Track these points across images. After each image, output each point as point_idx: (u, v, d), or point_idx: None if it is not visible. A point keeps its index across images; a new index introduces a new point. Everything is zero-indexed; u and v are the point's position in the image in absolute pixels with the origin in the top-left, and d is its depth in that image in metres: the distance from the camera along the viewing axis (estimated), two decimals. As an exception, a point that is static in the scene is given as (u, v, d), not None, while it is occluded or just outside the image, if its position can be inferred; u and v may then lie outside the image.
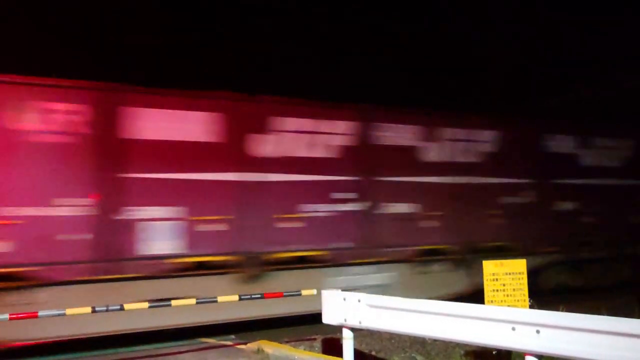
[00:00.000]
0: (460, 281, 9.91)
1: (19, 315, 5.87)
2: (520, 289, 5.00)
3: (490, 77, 15.89)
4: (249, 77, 12.36)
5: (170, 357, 6.67)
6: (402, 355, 6.54)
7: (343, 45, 14.90)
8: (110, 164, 7.62)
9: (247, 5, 14.03)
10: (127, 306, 6.13)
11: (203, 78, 11.86)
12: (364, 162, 9.34)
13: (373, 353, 6.66)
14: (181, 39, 13.54)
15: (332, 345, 6.57)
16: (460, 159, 10.25)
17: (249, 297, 6.94)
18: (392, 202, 9.45)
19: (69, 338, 7.21)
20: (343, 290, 5.56)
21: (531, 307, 4.97)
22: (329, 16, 14.89)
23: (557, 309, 4.39)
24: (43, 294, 7.05)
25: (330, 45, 14.83)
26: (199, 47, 13.78)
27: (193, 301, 6.45)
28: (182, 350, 6.97)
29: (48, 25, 12.29)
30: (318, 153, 9.00)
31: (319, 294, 5.74)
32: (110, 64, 11.79)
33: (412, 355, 6.52)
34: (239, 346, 7.05)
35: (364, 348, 6.75)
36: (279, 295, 7.08)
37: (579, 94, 16.04)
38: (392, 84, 14.24)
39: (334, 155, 9.12)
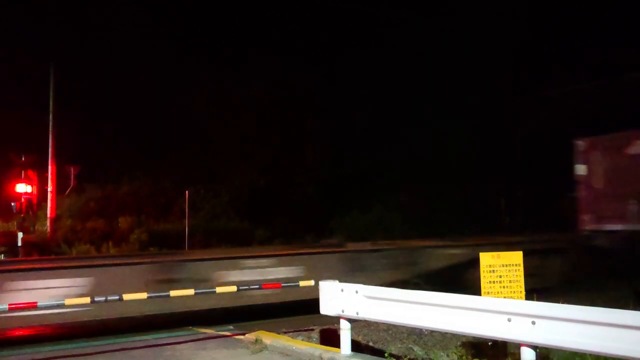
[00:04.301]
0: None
1: (18, 305, 5.92)
2: (517, 281, 5.02)
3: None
4: None
5: (168, 347, 6.70)
6: (399, 346, 6.57)
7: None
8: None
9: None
10: (125, 296, 6.16)
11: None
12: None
13: (370, 344, 6.69)
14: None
15: (330, 336, 6.60)
16: None
17: (247, 287, 7.01)
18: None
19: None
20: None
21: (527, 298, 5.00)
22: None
23: (554, 301, 4.42)
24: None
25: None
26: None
27: (192, 291, 6.52)
28: (180, 340, 7.01)
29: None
30: None
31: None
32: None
33: (409, 346, 6.55)
34: (237, 337, 7.08)
35: (362, 339, 6.78)
36: (277, 286, 7.15)
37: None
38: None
39: None
